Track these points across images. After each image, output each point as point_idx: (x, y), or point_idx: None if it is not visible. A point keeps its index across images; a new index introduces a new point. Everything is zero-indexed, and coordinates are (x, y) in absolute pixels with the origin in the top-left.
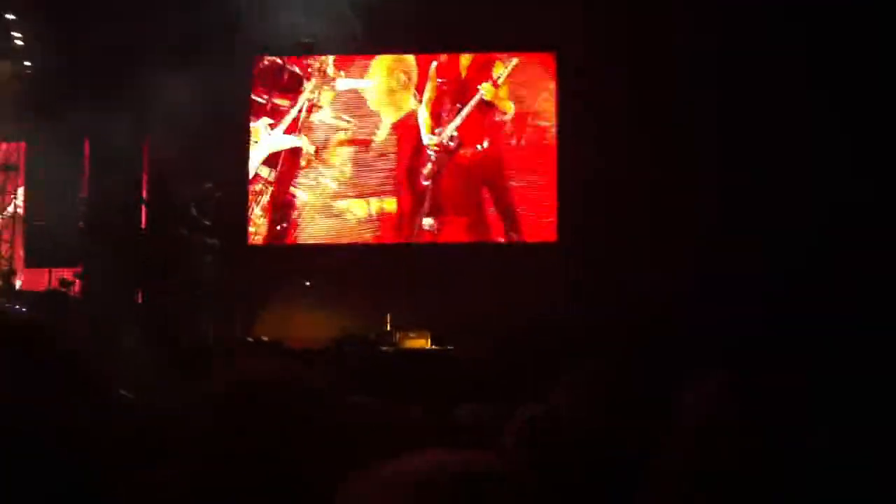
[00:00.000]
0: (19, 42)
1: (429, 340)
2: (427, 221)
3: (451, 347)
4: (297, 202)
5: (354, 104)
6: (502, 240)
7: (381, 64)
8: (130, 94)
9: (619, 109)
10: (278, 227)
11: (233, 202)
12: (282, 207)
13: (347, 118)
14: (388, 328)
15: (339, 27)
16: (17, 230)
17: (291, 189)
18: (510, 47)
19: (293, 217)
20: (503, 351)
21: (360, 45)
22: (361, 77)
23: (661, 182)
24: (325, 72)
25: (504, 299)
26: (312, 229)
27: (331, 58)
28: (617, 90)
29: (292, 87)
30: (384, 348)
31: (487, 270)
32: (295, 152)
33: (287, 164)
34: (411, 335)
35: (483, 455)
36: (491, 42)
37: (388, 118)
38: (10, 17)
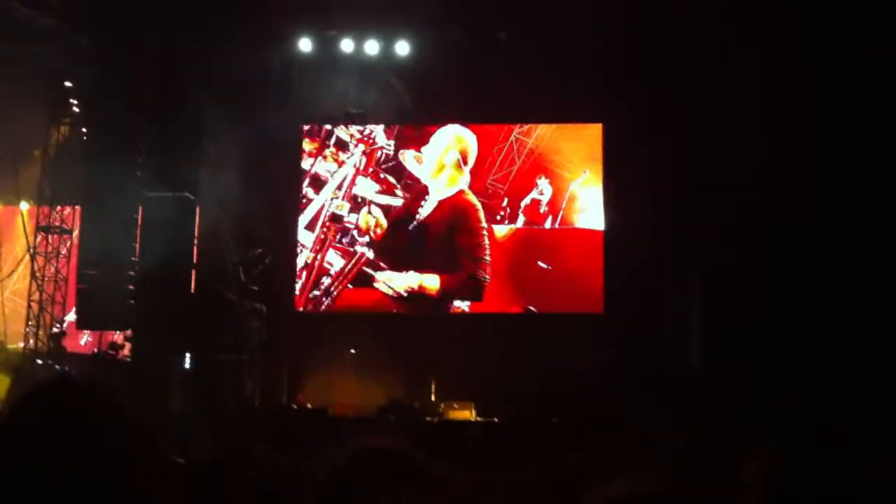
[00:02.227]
0: (76, 109)
1: (473, 411)
2: (464, 305)
3: (496, 420)
4: (335, 269)
5: (402, 176)
6: (546, 311)
7: (437, 139)
8: (182, 160)
9: (667, 178)
10: (316, 294)
11: (280, 268)
12: (319, 274)
13: (394, 190)
14: (433, 397)
15: (388, 99)
16: (68, 293)
17: (330, 256)
18: (556, 118)
19: (331, 284)
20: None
21: (408, 117)
22: (413, 149)
23: (710, 257)
24: (373, 141)
25: (549, 369)
26: (351, 297)
27: (380, 127)
28: (664, 160)
29: (338, 155)
30: (428, 418)
31: (533, 340)
32: (335, 219)
33: (326, 230)
34: (455, 406)
35: None
36: (538, 114)
37: (437, 194)
38: (67, 84)
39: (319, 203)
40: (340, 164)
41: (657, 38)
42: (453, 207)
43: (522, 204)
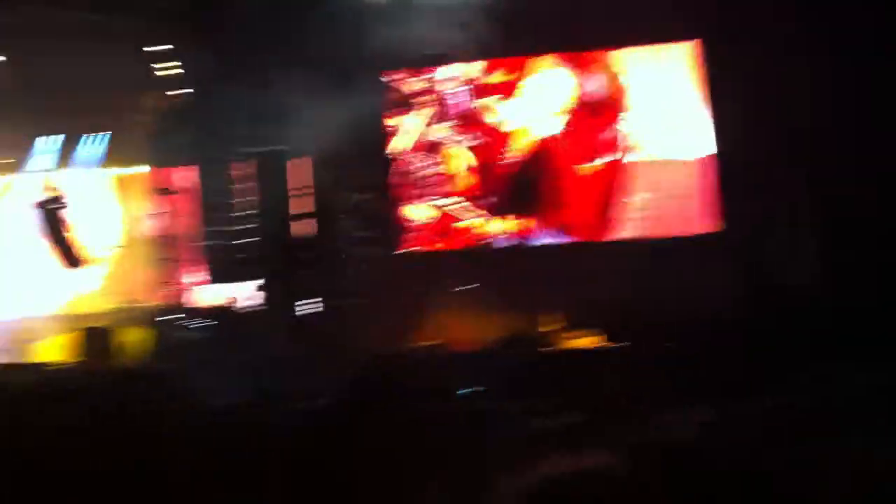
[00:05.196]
0: (180, 71)
1: (597, 339)
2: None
3: (622, 345)
4: (422, 221)
5: (481, 120)
6: (663, 234)
7: (521, 77)
8: (285, 114)
9: (775, 96)
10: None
11: (383, 212)
12: (403, 222)
13: (474, 132)
14: (552, 328)
15: (467, 36)
16: (193, 250)
17: (414, 209)
18: (647, 39)
19: (419, 234)
20: (677, 349)
21: (488, 52)
22: (493, 91)
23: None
24: (448, 85)
25: (672, 294)
26: (445, 241)
27: (456, 68)
28: (769, 77)
29: (411, 103)
30: (549, 348)
31: (655, 265)
32: (415, 168)
33: (406, 179)
34: (576, 334)
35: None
36: (627, 36)
37: (522, 133)
38: (168, 47)
39: (396, 152)
40: (414, 111)
41: None
42: (538, 149)
43: (611, 136)
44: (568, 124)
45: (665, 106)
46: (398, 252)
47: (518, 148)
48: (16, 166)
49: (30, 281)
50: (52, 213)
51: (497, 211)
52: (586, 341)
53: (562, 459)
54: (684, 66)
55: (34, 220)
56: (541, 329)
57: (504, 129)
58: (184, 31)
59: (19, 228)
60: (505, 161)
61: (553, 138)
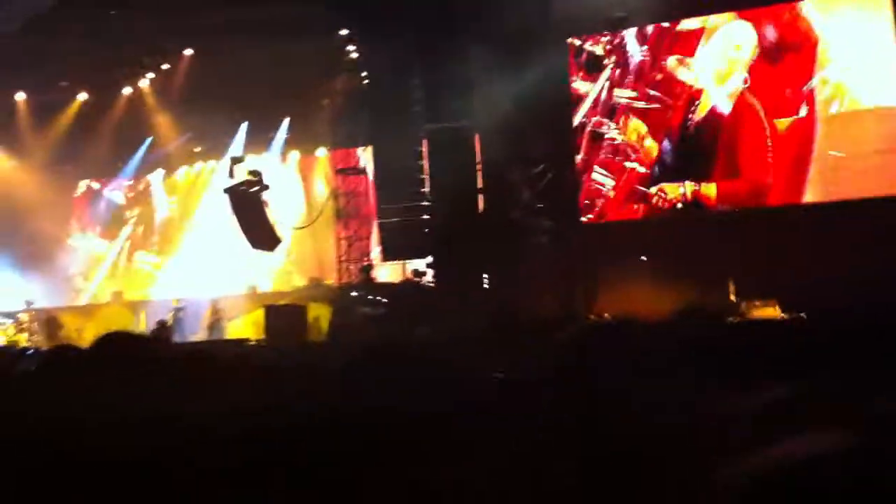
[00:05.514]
0: (354, 56)
1: (778, 308)
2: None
3: (804, 315)
4: (606, 188)
5: (664, 83)
6: (843, 198)
7: (705, 37)
8: (457, 91)
9: None
10: (590, 215)
11: (561, 183)
12: (589, 194)
13: (656, 95)
14: (733, 298)
15: None
16: (370, 228)
17: (597, 175)
18: None
19: (604, 202)
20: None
21: (674, 12)
22: (677, 52)
23: None
24: (627, 49)
25: (852, 260)
26: (626, 212)
27: (632, 32)
28: None
29: (593, 68)
30: (729, 319)
31: (831, 231)
32: (596, 137)
33: (589, 147)
34: (758, 304)
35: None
36: None
37: (708, 98)
38: (343, 32)
39: (578, 121)
40: (595, 78)
41: None
42: (728, 110)
43: (805, 90)
44: (755, 80)
45: (864, 53)
46: (580, 222)
47: (703, 108)
48: (214, 153)
49: (225, 261)
50: (248, 196)
51: (681, 175)
52: (773, 311)
53: (793, 440)
54: (883, 9)
55: (228, 203)
56: (720, 299)
57: (688, 89)
58: (366, 9)
59: (217, 211)
60: (690, 123)
61: (741, 96)
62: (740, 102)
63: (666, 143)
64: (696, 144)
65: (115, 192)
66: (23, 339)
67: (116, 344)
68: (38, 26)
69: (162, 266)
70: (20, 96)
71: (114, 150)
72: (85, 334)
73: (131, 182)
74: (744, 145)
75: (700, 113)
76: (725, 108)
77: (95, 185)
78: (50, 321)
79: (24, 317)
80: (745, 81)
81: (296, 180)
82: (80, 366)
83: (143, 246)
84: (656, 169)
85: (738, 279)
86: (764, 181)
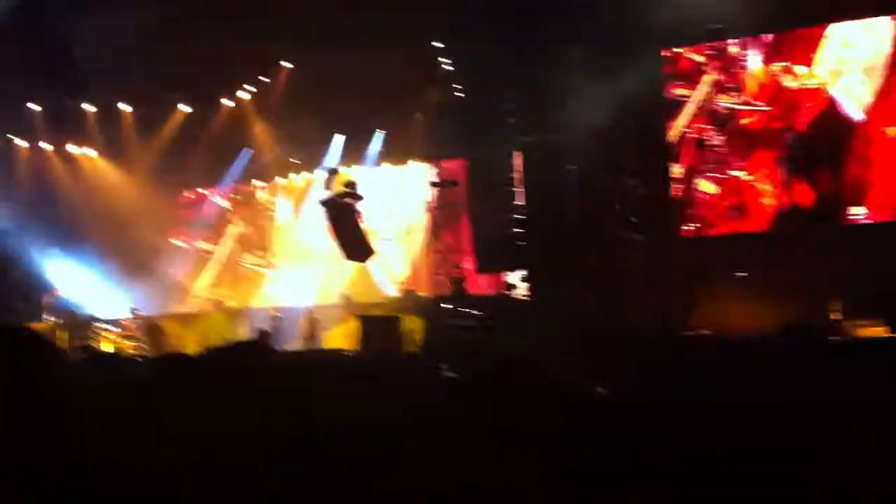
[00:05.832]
0: (447, 68)
1: (885, 327)
2: (858, 210)
3: None
4: (704, 195)
5: (769, 88)
6: None
7: (817, 45)
8: (552, 101)
9: None
10: (692, 225)
11: (656, 197)
12: (693, 203)
13: (759, 104)
14: (837, 315)
15: (747, 8)
16: (464, 240)
17: (697, 183)
18: None
19: (707, 212)
20: None
21: (774, 23)
22: (778, 60)
23: None
24: (728, 57)
25: None
26: (729, 224)
27: (735, 41)
28: None
29: (693, 75)
30: (833, 338)
31: None
32: (699, 145)
33: (691, 156)
34: (864, 322)
35: None
36: None
37: (807, 104)
38: (436, 45)
39: (678, 130)
40: (694, 87)
41: None
42: (829, 116)
43: None
44: (871, 86)
45: None
46: (678, 235)
47: (812, 116)
48: (311, 164)
49: (320, 271)
50: (343, 207)
51: (788, 185)
52: (873, 330)
53: None
54: None
55: (323, 214)
56: (823, 316)
57: (794, 96)
58: (458, 23)
59: (313, 221)
60: (797, 131)
61: (852, 103)
62: (839, 108)
63: (772, 152)
64: (804, 153)
65: (218, 199)
66: (129, 347)
67: (239, 353)
68: (144, 40)
69: (265, 274)
70: (125, 108)
71: (215, 161)
72: (185, 341)
73: (233, 192)
74: (843, 150)
75: (800, 119)
76: (824, 113)
77: (200, 192)
78: (153, 328)
79: (129, 324)
80: (857, 87)
81: (389, 192)
82: (211, 374)
83: (247, 253)
84: (764, 178)
85: (844, 296)
86: (879, 193)
